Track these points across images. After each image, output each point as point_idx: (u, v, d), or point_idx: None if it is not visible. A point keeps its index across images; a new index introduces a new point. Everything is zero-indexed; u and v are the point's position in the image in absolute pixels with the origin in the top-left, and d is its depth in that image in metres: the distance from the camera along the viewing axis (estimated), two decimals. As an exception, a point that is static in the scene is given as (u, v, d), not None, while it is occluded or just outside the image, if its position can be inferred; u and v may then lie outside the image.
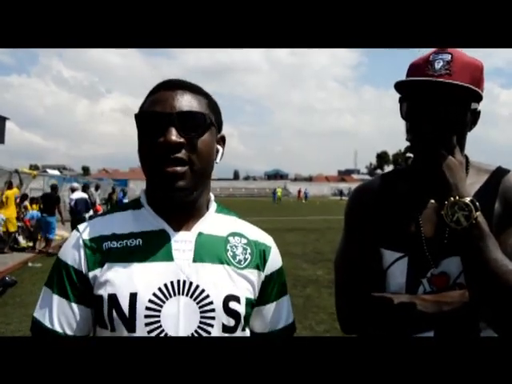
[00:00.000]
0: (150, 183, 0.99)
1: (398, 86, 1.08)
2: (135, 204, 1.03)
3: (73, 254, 0.96)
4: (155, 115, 0.92)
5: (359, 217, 1.20)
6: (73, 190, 11.75)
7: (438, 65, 1.03)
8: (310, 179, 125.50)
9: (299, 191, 56.66)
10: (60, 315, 0.94)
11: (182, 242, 0.97)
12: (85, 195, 11.77)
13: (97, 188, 16.55)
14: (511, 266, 0.95)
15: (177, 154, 0.90)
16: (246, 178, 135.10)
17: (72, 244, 0.98)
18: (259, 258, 1.04)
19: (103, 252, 0.95)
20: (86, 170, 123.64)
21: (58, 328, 0.94)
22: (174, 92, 0.95)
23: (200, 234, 0.99)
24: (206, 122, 0.95)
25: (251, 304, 1.00)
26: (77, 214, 10.77)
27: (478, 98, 1.06)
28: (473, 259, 0.97)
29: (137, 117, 0.96)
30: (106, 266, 0.94)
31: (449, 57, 1.04)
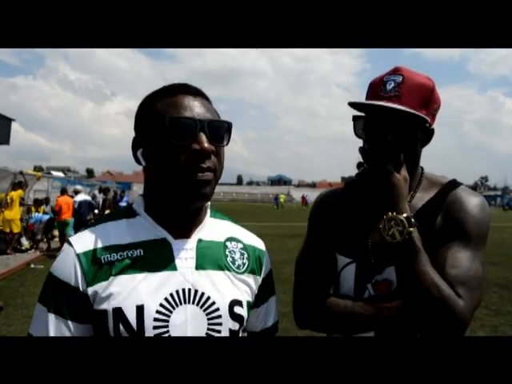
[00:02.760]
0: (160, 192, 0.96)
1: (351, 105, 1.13)
2: (129, 212, 1.00)
3: (67, 270, 0.91)
4: (185, 121, 0.91)
5: (319, 222, 1.29)
6: (76, 192, 11.78)
7: (390, 86, 1.10)
8: (313, 185, 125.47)
9: (303, 197, 56.40)
10: (57, 334, 0.90)
11: (184, 250, 0.96)
12: (88, 198, 11.81)
13: (101, 191, 16.58)
14: (437, 280, 1.00)
15: (208, 161, 0.91)
16: (250, 183, 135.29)
17: (65, 259, 0.93)
18: (255, 262, 1.06)
19: (102, 265, 0.91)
20: (90, 173, 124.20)
21: None
22: (195, 98, 0.95)
23: (200, 240, 0.99)
24: (230, 131, 0.97)
25: (250, 307, 1.03)
26: (80, 217, 10.80)
27: (425, 119, 1.11)
28: (403, 271, 1.04)
29: (157, 123, 0.92)
30: (108, 279, 0.90)
31: (400, 78, 1.10)
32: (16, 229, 10.27)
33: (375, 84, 1.14)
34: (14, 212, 10.27)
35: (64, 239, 10.68)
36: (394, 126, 1.08)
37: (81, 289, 0.90)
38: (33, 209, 12.14)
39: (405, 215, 1.03)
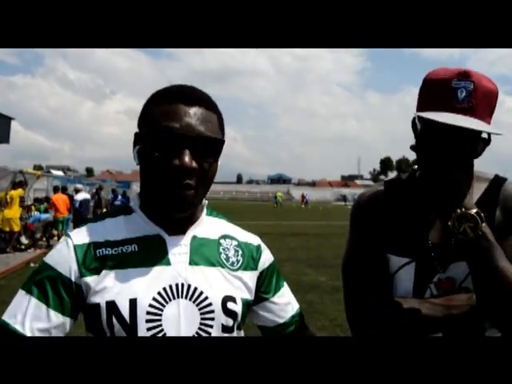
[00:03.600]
0: (149, 194, 0.97)
1: (421, 118, 1.06)
2: (126, 210, 1.03)
3: (63, 261, 0.92)
4: (171, 133, 0.89)
5: (364, 222, 1.23)
6: (77, 191, 11.81)
7: (461, 95, 1.02)
8: (313, 184, 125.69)
9: (302, 196, 56.37)
10: (33, 320, 0.89)
11: (178, 245, 0.98)
12: (89, 196, 11.84)
13: (100, 189, 16.65)
14: None
15: (188, 179, 0.90)
16: (249, 182, 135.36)
17: (62, 250, 0.94)
18: (251, 258, 1.07)
19: (97, 259, 0.93)
20: (89, 172, 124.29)
21: (28, 333, 0.88)
22: (190, 108, 0.91)
23: (194, 237, 1.01)
24: (220, 149, 0.96)
25: (247, 304, 1.03)
26: (81, 215, 10.82)
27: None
28: (480, 268, 1.02)
29: (149, 129, 0.93)
30: (101, 273, 0.92)
31: (471, 86, 1.02)
32: (16, 228, 10.29)
33: (440, 88, 1.04)
34: (14, 211, 10.29)
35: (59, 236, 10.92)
36: (468, 138, 1.03)
37: (73, 279, 0.91)
38: (33, 208, 12.14)
39: (475, 210, 1.00)
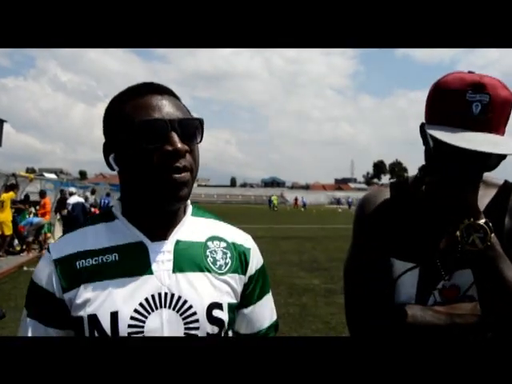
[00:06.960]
0: (140, 192, 0.92)
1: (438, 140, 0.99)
2: (107, 216, 0.99)
3: (45, 277, 0.92)
4: (155, 122, 0.88)
5: (369, 226, 1.18)
6: (70, 194, 11.74)
7: (476, 109, 0.97)
8: (306, 187, 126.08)
9: (296, 199, 56.78)
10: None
11: (161, 252, 0.94)
12: (82, 200, 11.76)
13: (93, 192, 16.57)
14: None
15: (183, 161, 0.88)
16: (243, 185, 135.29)
17: (43, 266, 0.94)
18: (239, 261, 1.02)
19: (77, 271, 0.91)
20: (82, 175, 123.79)
21: None
22: (162, 97, 0.92)
23: (178, 242, 0.96)
24: (203, 128, 0.95)
25: (233, 309, 0.99)
26: (74, 219, 10.73)
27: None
28: (488, 279, 0.99)
29: (129, 128, 0.89)
30: (82, 286, 0.90)
31: (487, 99, 0.97)
32: (7, 231, 10.20)
33: (456, 102, 0.99)
34: (5, 214, 10.20)
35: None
36: (482, 157, 0.99)
37: (57, 295, 0.91)
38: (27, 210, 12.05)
39: (483, 220, 0.97)
